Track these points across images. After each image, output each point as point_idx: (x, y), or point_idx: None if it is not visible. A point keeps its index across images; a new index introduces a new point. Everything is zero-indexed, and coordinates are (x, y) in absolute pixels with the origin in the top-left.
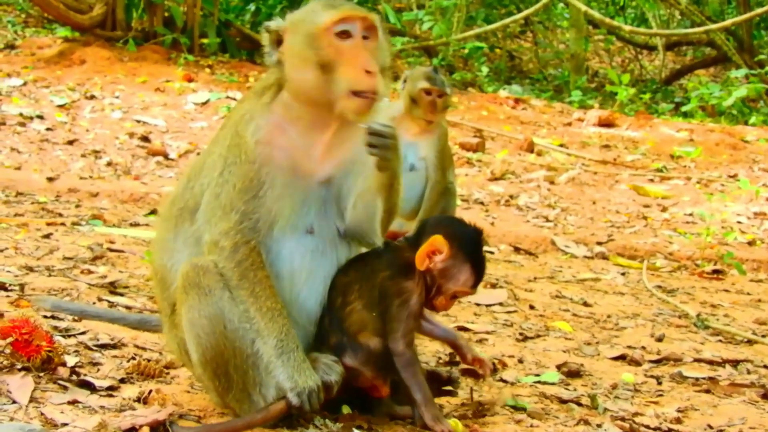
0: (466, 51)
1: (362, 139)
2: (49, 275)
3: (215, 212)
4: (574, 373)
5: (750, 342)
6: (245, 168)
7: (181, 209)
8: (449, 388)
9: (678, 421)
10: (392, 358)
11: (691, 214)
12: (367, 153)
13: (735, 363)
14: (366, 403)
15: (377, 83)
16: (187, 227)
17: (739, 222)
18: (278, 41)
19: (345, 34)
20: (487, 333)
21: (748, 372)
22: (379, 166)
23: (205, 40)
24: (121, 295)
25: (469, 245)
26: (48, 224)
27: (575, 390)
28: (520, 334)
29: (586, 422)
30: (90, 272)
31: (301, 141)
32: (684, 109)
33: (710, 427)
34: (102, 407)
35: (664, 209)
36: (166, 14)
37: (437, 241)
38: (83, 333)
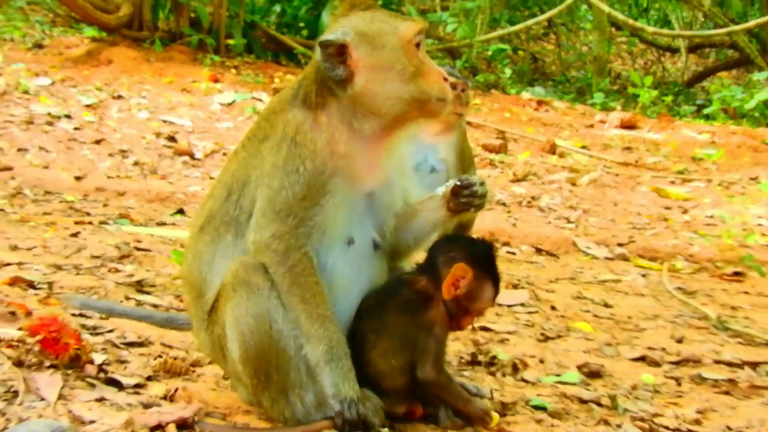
0: (490, 53)
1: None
2: (77, 274)
3: (267, 215)
4: (594, 374)
5: None
6: (310, 177)
7: (225, 223)
8: None
9: (697, 422)
10: (424, 387)
11: (712, 216)
12: (450, 204)
13: (754, 365)
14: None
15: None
16: (230, 240)
17: (759, 224)
18: (339, 55)
19: (418, 44)
20: (509, 333)
21: (767, 374)
22: (455, 211)
23: (231, 41)
24: (148, 293)
25: (488, 263)
26: (76, 223)
27: (595, 390)
28: (542, 334)
29: (606, 422)
30: (117, 271)
31: (358, 152)
32: (706, 111)
33: (729, 428)
34: (129, 404)
35: (685, 211)
36: (193, 15)
37: (460, 268)
38: (111, 331)
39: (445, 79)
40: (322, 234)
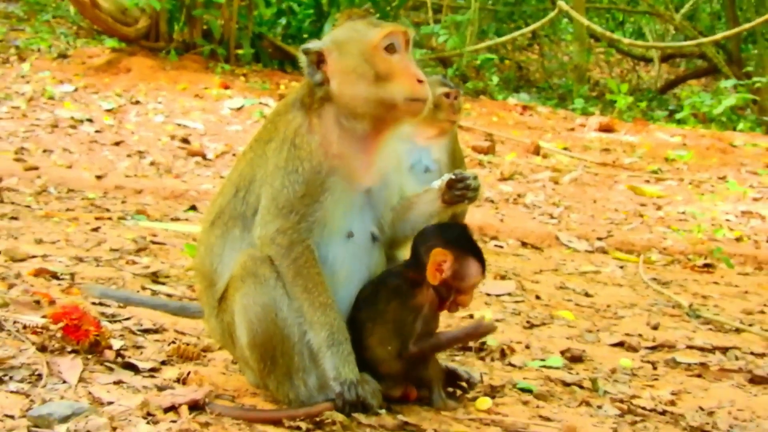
0: (478, 62)
1: (394, 149)
2: (97, 265)
3: (271, 212)
4: (576, 359)
5: (738, 330)
6: (308, 177)
7: (233, 218)
8: (464, 384)
9: (672, 403)
10: (413, 362)
11: (683, 213)
12: (445, 197)
13: (724, 350)
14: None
15: (428, 89)
16: (237, 233)
17: (727, 220)
18: (319, 61)
19: (391, 48)
20: (497, 321)
21: (736, 358)
22: (450, 203)
23: (240, 51)
24: (163, 284)
25: (465, 241)
26: (96, 218)
27: (578, 374)
28: (527, 322)
29: (588, 403)
30: (134, 263)
31: (352, 151)
32: (677, 116)
33: (701, 408)
34: (144, 387)
35: (659, 208)
36: (205, 27)
37: (438, 253)
38: (128, 319)
39: (420, 81)
40: (323, 228)
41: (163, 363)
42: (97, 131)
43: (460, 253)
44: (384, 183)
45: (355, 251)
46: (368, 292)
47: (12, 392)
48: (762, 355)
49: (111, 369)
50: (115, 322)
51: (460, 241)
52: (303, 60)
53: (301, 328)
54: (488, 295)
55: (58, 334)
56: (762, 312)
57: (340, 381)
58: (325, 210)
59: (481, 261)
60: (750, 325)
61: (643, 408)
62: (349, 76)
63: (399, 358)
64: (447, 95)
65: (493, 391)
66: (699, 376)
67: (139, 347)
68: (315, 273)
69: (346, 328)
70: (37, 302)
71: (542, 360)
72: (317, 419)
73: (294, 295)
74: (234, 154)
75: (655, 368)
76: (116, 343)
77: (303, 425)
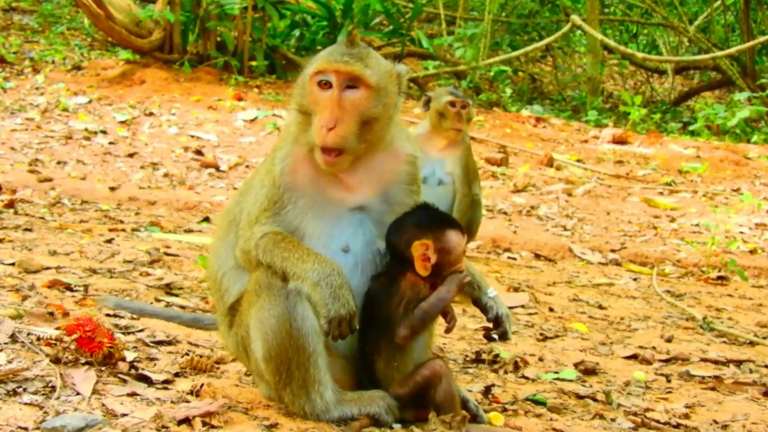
0: (492, 74)
1: (396, 169)
2: (111, 277)
3: (243, 227)
4: (590, 371)
5: (752, 343)
6: (271, 191)
7: (231, 221)
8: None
9: (686, 416)
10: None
11: (697, 225)
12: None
13: (738, 363)
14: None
15: (336, 139)
16: (232, 238)
17: (741, 232)
18: None
19: (325, 85)
20: (511, 333)
21: (751, 371)
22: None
23: (253, 63)
24: (176, 295)
25: (435, 219)
26: (110, 230)
27: (591, 387)
28: (541, 334)
29: (601, 416)
30: (148, 274)
31: (323, 171)
32: (691, 128)
33: (716, 422)
34: (158, 399)
35: (673, 220)
36: (219, 39)
37: (418, 246)
38: (141, 330)
39: (330, 129)
40: (307, 240)
41: (177, 375)
42: (110, 143)
43: (437, 234)
44: (384, 199)
45: (355, 264)
46: (367, 307)
47: (26, 404)
48: None
49: (124, 381)
50: (129, 333)
51: (430, 220)
52: None
53: (316, 338)
54: None
55: (72, 346)
56: None
57: (328, 318)
58: (289, 223)
59: (456, 226)
60: (764, 338)
61: (657, 421)
62: (293, 101)
63: (408, 379)
64: (452, 104)
65: (506, 404)
66: (713, 389)
67: (152, 359)
68: (289, 241)
69: (333, 263)
70: (51, 314)
71: (555, 372)
72: None
73: (275, 266)
74: (247, 166)
75: (668, 381)
76: (130, 355)
77: None
